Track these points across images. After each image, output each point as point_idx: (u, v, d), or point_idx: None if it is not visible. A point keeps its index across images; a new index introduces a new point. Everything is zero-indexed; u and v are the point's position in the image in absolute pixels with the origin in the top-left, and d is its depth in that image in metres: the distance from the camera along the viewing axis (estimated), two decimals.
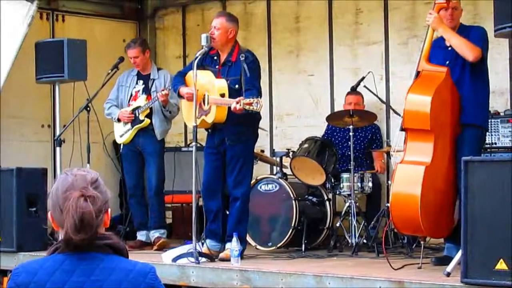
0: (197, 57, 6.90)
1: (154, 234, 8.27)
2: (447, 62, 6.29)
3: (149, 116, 8.17)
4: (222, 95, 6.89)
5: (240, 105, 6.58)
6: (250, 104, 6.57)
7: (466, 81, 6.25)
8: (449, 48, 6.33)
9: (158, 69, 8.49)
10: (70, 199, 2.61)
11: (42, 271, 2.62)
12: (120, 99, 8.36)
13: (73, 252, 2.65)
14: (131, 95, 8.31)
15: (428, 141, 6.08)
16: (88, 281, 2.61)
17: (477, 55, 6.15)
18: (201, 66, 7.06)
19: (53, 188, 2.72)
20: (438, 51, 6.39)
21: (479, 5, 7.99)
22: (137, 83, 8.33)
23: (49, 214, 2.73)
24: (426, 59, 6.26)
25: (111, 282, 2.62)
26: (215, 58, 7.16)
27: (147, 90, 8.27)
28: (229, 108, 6.75)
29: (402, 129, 6.24)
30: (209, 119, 6.96)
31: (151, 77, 8.32)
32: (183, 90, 7.12)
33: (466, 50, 6.17)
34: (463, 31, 6.32)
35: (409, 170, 6.08)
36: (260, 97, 6.88)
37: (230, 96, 6.87)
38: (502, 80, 7.89)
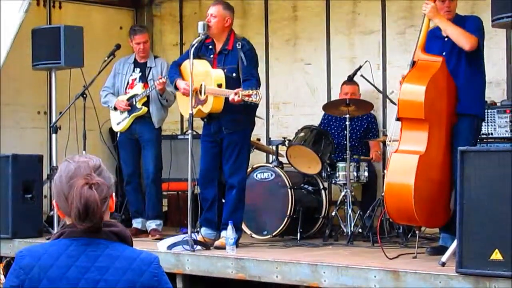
0: (193, 45, 6.88)
1: (151, 224, 8.25)
2: (444, 53, 6.28)
3: (146, 104, 8.15)
4: (219, 86, 6.86)
5: (239, 96, 6.57)
6: (249, 96, 6.55)
7: (462, 71, 6.25)
8: (446, 39, 6.32)
9: (155, 57, 8.48)
10: (75, 188, 2.61)
11: (47, 256, 2.63)
12: (117, 87, 8.34)
13: (79, 238, 2.65)
14: (128, 83, 8.28)
15: (422, 131, 6.07)
16: (92, 267, 2.61)
17: (473, 44, 6.15)
18: (197, 55, 7.04)
19: (56, 177, 2.72)
20: (434, 42, 6.38)
21: None
22: (133, 71, 8.31)
23: (54, 202, 2.73)
24: (421, 49, 6.26)
25: (115, 269, 2.63)
26: (210, 47, 7.14)
27: (143, 78, 8.25)
28: (226, 97, 6.74)
29: (397, 119, 6.23)
30: (206, 109, 6.94)
31: (148, 65, 8.29)
32: (180, 84, 7.08)
33: (462, 39, 6.16)
34: (459, 21, 6.31)
35: (403, 159, 6.08)
36: (259, 86, 6.87)
37: (227, 84, 6.85)
38: (499, 71, 7.89)
